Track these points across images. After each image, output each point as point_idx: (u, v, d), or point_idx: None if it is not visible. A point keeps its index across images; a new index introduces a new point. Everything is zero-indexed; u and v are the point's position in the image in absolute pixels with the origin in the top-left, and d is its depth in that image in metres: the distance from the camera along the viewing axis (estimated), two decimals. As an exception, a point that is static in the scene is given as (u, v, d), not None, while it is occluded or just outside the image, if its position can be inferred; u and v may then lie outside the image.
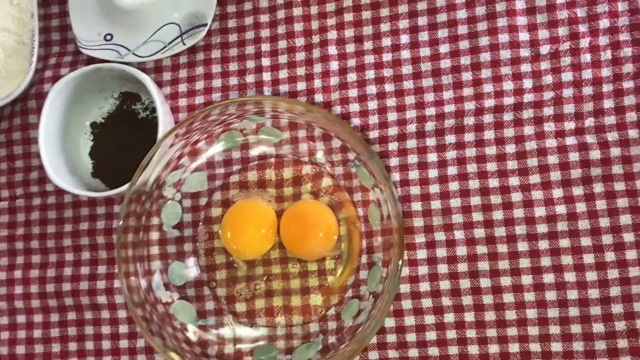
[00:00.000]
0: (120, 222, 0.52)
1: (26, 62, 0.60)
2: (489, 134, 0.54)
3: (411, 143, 0.55)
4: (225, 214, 0.56)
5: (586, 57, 0.53)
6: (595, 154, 0.52)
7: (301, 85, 0.58)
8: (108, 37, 0.60)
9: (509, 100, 0.54)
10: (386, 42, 0.57)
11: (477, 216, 0.53)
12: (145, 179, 0.53)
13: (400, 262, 0.48)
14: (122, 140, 0.60)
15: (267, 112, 0.54)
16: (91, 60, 0.61)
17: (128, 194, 0.52)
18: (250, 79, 0.59)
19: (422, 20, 0.56)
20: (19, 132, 0.62)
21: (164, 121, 0.55)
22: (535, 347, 0.51)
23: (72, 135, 0.60)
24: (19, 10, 0.60)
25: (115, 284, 0.59)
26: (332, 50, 0.58)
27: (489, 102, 0.54)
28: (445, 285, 0.53)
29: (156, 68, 0.61)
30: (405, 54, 0.56)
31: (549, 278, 0.52)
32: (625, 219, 0.51)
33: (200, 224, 0.58)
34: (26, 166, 0.62)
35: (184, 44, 0.59)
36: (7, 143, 0.63)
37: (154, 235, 0.56)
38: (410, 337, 0.53)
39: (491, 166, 0.54)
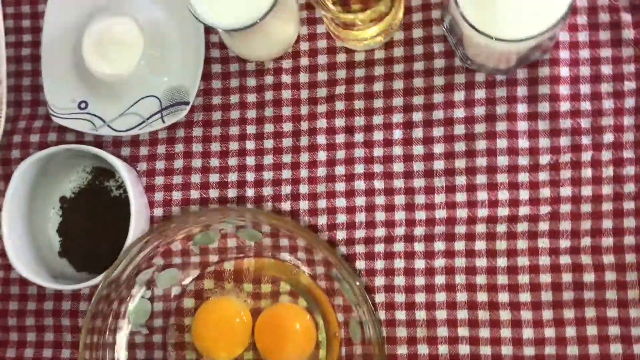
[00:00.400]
0: (86, 324, 0.49)
1: (-7, 130, 0.55)
2: (480, 245, 0.51)
3: (398, 246, 0.52)
4: (198, 312, 0.52)
5: (587, 172, 0.50)
6: (589, 277, 0.49)
7: (286, 174, 0.54)
8: (82, 105, 0.56)
9: (503, 211, 0.51)
10: (378, 135, 0.53)
11: (463, 332, 0.51)
12: (114, 278, 0.50)
13: None
14: (93, 219, 0.56)
15: (247, 219, 0.51)
16: (63, 128, 0.57)
17: (96, 297, 0.49)
18: (232, 161, 0.55)
19: (417, 116, 0.53)
20: (-18, 198, 0.58)
21: (137, 206, 0.51)
22: None
23: (40, 209, 0.56)
24: (-13, 75, 0.55)
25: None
26: (321, 139, 0.54)
27: (483, 212, 0.51)
28: (424, 402, 0.51)
29: (133, 141, 0.57)
30: (398, 150, 0.53)
31: (534, 407, 0.49)
32: (616, 348, 0.49)
33: (172, 317, 0.54)
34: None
35: (164, 122, 0.54)
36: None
37: (122, 336, 0.53)
38: None
39: (480, 279, 0.51)
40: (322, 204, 0.54)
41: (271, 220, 0.50)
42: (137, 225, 0.51)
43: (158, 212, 0.55)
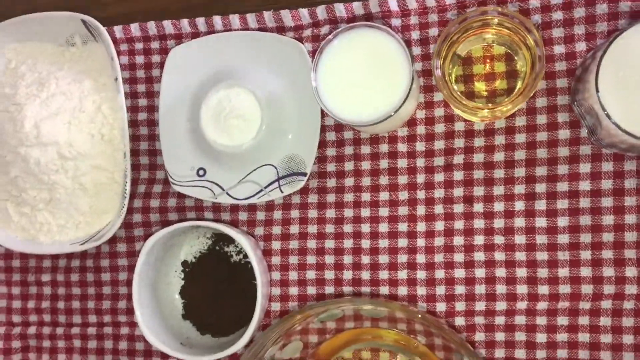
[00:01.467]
0: None
1: (116, 199, 0.56)
2: (604, 321, 0.49)
3: (520, 319, 0.51)
4: None
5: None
6: None
7: (402, 242, 0.54)
8: (201, 172, 0.56)
9: (631, 289, 0.49)
10: (499, 207, 0.52)
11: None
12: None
13: None
14: (214, 282, 0.57)
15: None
16: (182, 194, 0.57)
17: None
18: (347, 228, 0.55)
19: (540, 188, 0.51)
20: (106, 259, 0.60)
21: (258, 273, 0.52)
22: None
23: (164, 274, 0.57)
24: (112, 148, 0.56)
25: None
26: (439, 209, 0.53)
27: (609, 289, 0.49)
28: None
29: (250, 206, 0.57)
30: (519, 222, 0.51)
31: None
32: None
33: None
34: (114, 293, 0.60)
35: (282, 192, 0.54)
36: (94, 269, 0.60)
37: None
38: None
39: (605, 355, 0.49)
40: (440, 274, 0.53)
41: (401, 314, 0.49)
42: (262, 291, 0.52)
43: (275, 275, 0.56)
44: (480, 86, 0.49)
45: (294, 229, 0.56)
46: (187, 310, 0.57)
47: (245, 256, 0.56)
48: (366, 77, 0.45)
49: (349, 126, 0.54)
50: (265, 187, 0.55)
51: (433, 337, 0.52)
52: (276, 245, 0.56)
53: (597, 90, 0.39)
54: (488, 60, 0.49)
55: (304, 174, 0.53)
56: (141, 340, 0.59)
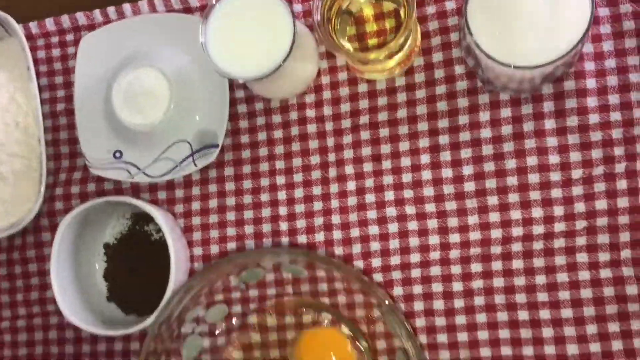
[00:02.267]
0: None
1: (36, 186, 0.56)
2: (517, 264, 0.49)
3: (435, 270, 0.51)
4: (301, 341, 0.52)
5: (622, 184, 0.48)
6: (632, 289, 0.47)
7: (317, 205, 0.53)
8: (117, 155, 0.56)
9: (538, 229, 0.49)
10: (405, 161, 0.52)
11: (506, 350, 0.49)
12: (164, 319, 0.50)
13: None
14: (136, 263, 0.56)
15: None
16: (101, 178, 0.57)
17: (147, 341, 0.49)
18: (264, 197, 0.55)
19: (444, 139, 0.51)
20: (32, 249, 0.59)
21: (176, 250, 0.51)
22: None
23: (86, 258, 0.56)
24: (26, 134, 0.56)
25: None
26: (349, 169, 0.53)
27: (518, 231, 0.49)
28: None
29: (168, 184, 0.57)
30: (426, 174, 0.51)
31: (582, 420, 0.47)
32: (665, 361, 0.46)
33: (222, 352, 0.54)
34: (42, 283, 0.59)
35: (196, 165, 0.54)
36: (21, 260, 0.59)
37: None
38: None
39: (520, 297, 0.49)
40: (354, 232, 0.53)
41: (321, 264, 0.49)
42: (178, 266, 0.51)
43: (197, 251, 0.55)
44: (373, 42, 0.50)
45: (213, 203, 0.56)
46: (111, 291, 0.56)
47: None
48: (251, 35, 0.45)
49: (259, 96, 0.55)
50: (180, 163, 0.55)
51: (353, 294, 0.51)
52: (196, 220, 0.56)
53: (467, 25, 0.40)
54: (378, 18, 0.50)
55: (216, 145, 0.54)
56: (70, 327, 0.58)
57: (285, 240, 0.54)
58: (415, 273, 0.51)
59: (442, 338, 0.50)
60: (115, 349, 0.56)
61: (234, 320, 0.53)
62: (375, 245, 0.52)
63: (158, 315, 0.49)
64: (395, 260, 0.51)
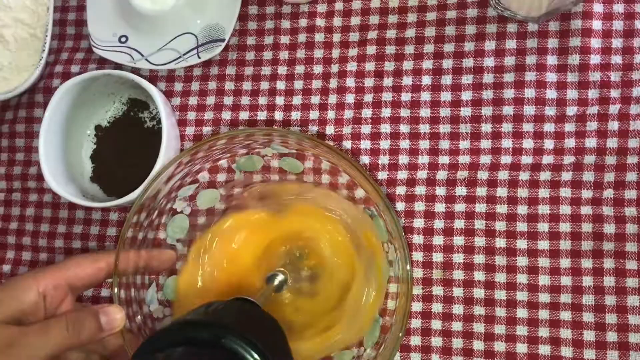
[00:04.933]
0: (125, 233, 0.47)
1: (37, 56, 0.55)
2: (501, 192, 0.49)
3: (420, 190, 0.50)
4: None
5: (614, 125, 0.48)
6: (609, 228, 0.47)
7: (314, 114, 0.53)
8: (123, 39, 0.55)
9: (527, 159, 0.49)
10: (407, 80, 0.51)
11: (479, 275, 0.49)
12: (152, 193, 0.48)
13: (401, 334, 0.43)
14: (125, 148, 0.55)
15: (291, 144, 0.49)
16: (103, 60, 0.56)
17: (135, 207, 0.47)
18: (262, 100, 0.54)
19: (447, 63, 0.51)
20: (22, 124, 0.57)
21: (168, 135, 0.50)
22: (521, 419, 0.47)
23: (76, 135, 0.55)
24: (35, 3, 0.54)
25: (102, 293, 0.54)
26: (350, 82, 0.52)
27: (506, 159, 0.49)
28: (437, 342, 0.48)
29: (168, 77, 0.56)
30: (425, 95, 0.51)
31: (544, 350, 0.47)
32: (633, 300, 0.46)
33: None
34: (26, 160, 0.57)
35: (199, 57, 0.53)
36: (9, 134, 0.58)
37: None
38: (395, 390, 0.49)
39: (500, 225, 0.49)
40: (346, 145, 0.52)
41: (316, 145, 0.47)
42: (167, 153, 0.50)
43: (188, 145, 0.54)
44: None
45: (210, 100, 0.55)
46: (96, 173, 0.55)
47: (159, 122, 0.54)
48: None
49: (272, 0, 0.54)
50: (184, 54, 0.54)
51: (354, 190, 0.50)
52: (191, 115, 0.55)
53: None
54: None
55: (222, 40, 0.53)
56: (49, 207, 0.56)
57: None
58: (400, 190, 0.50)
59: (417, 256, 0.49)
60: (91, 232, 0.55)
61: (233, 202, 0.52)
62: (365, 159, 0.51)
63: (144, 187, 0.47)
64: (382, 175, 0.51)
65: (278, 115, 0.53)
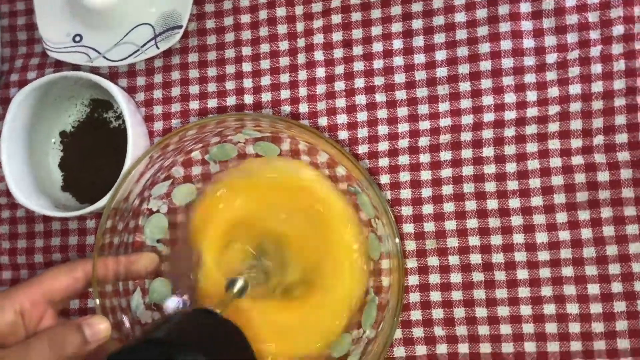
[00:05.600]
0: (100, 240, 0.45)
1: (-12, 67, 0.52)
2: (487, 151, 0.47)
3: (403, 159, 0.48)
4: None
5: (597, 68, 0.45)
6: (603, 176, 0.45)
7: (285, 94, 0.50)
8: (77, 39, 0.52)
9: (510, 115, 0.46)
10: (377, 47, 0.49)
11: (474, 240, 0.46)
12: (124, 195, 0.46)
13: (398, 309, 0.41)
14: (94, 151, 0.52)
15: (265, 127, 0.47)
16: (60, 63, 0.53)
17: (107, 211, 0.45)
18: (230, 85, 0.51)
19: (417, 24, 0.48)
20: (-16, 139, 0.55)
21: (135, 134, 0.48)
22: (533, 382, 0.45)
23: (40, 145, 0.52)
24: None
25: (89, 304, 0.52)
26: (319, 55, 0.50)
27: (489, 116, 0.47)
28: (438, 314, 0.47)
29: (129, 72, 0.53)
30: (398, 60, 0.48)
31: (549, 309, 0.45)
32: (635, 248, 0.44)
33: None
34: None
35: (158, 48, 0.50)
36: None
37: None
38: (400, 368, 0.47)
39: (490, 186, 0.47)
40: (322, 121, 0.49)
41: (290, 126, 0.44)
42: (135, 152, 0.48)
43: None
44: None
45: (175, 91, 0.52)
46: (66, 181, 0.53)
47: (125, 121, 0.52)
48: None
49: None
50: (142, 46, 0.51)
51: (335, 169, 0.47)
52: (157, 110, 0.52)
53: None
54: None
55: (180, 27, 0.50)
56: (23, 222, 0.54)
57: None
58: (383, 162, 0.48)
59: (408, 228, 0.47)
60: (70, 243, 0.53)
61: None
62: (343, 134, 0.49)
63: (114, 190, 0.45)
64: (363, 148, 0.48)
65: (248, 99, 0.51)
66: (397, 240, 0.42)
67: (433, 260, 0.47)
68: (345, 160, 0.44)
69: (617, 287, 0.44)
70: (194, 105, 0.51)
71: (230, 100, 0.51)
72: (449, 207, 0.47)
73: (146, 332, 0.35)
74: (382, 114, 0.48)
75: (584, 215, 0.45)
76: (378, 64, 0.49)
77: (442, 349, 0.46)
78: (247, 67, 0.51)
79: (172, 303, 0.46)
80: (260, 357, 0.38)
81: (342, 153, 0.43)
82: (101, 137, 0.52)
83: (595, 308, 0.44)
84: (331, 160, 0.47)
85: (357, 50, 0.49)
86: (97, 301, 0.43)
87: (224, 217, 0.45)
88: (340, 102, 0.49)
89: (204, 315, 0.37)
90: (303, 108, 0.50)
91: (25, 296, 0.40)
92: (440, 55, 0.48)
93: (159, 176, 0.47)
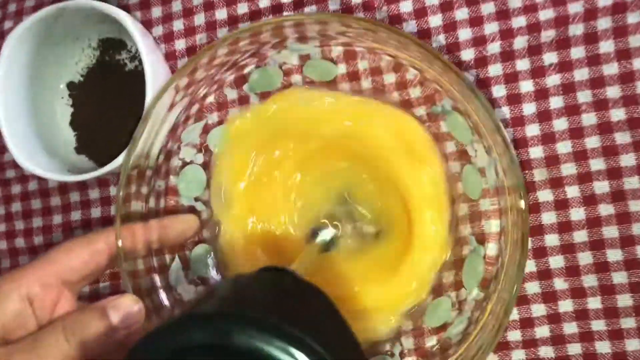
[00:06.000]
0: (120, 203, 0.36)
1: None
2: (606, 46, 0.36)
3: (495, 69, 0.37)
4: None
5: None
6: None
7: (333, 4, 0.40)
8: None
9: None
10: None
11: (597, 164, 0.36)
12: (147, 145, 0.36)
13: (520, 259, 0.31)
14: (109, 102, 0.43)
15: (310, 38, 0.36)
16: None
17: (124, 173, 0.36)
18: (264, 2, 0.41)
19: None
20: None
21: (154, 74, 0.38)
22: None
23: (46, 101, 0.43)
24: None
25: (122, 287, 0.44)
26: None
27: (605, 0, 0.36)
28: (557, 262, 0.36)
29: (142, 2, 0.44)
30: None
31: None
32: None
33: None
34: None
35: (172, -35, 0.41)
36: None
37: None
38: (514, 335, 0.37)
39: (612, 91, 0.36)
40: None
41: (346, 27, 0.33)
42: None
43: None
44: None
45: (199, 19, 0.42)
46: (81, 142, 0.44)
47: (142, 61, 0.42)
48: None
49: None
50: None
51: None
52: (180, 44, 0.43)
53: None
54: None
55: None
56: (37, 196, 0.45)
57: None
58: (468, 76, 0.37)
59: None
60: (90, 197, 0.44)
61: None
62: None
63: (133, 140, 0.35)
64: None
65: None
66: (515, 166, 0.31)
67: (545, 195, 0.36)
68: (427, 68, 0.33)
69: None
70: (224, 33, 0.42)
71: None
72: (560, 124, 0.36)
73: (193, 304, 0.26)
74: (461, 14, 0.38)
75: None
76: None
77: (566, 305, 0.36)
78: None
79: None
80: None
81: (432, 54, 0.32)
82: (116, 85, 0.43)
83: None
84: (400, 65, 0.36)
85: (422, -63, 0.38)
86: (126, 278, 0.34)
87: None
88: (406, 5, 0.38)
89: (273, 276, 0.28)
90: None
91: (35, 277, 0.31)
92: None
93: (189, 117, 0.38)
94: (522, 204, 0.30)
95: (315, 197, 0.36)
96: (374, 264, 0.36)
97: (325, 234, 0.34)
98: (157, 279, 0.37)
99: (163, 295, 0.37)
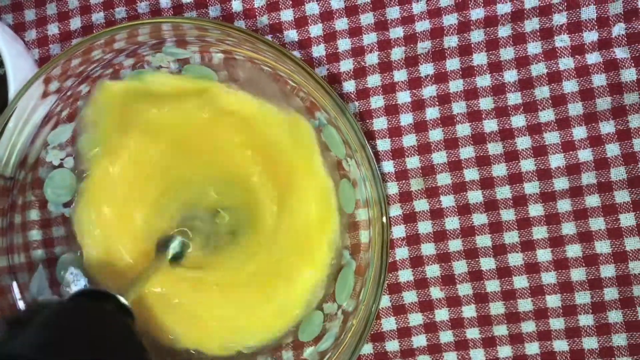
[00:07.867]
0: None
1: None
2: (479, 58, 0.36)
3: (373, 80, 0.37)
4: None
5: None
6: (629, 74, 0.35)
7: (214, 11, 0.39)
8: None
9: (504, 8, 0.36)
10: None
11: (471, 174, 0.36)
12: (8, 150, 0.34)
13: (382, 269, 0.30)
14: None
15: (189, 43, 0.35)
16: None
17: None
18: (142, 7, 0.40)
19: None
20: None
21: (21, 79, 0.36)
22: (561, 345, 0.35)
23: None
24: None
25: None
26: (253, -44, 0.38)
27: (477, 13, 0.36)
28: (433, 271, 0.36)
29: (13, 4, 0.41)
30: (356, -46, 0.37)
31: (574, 251, 0.35)
32: (675, 162, 0.34)
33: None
34: None
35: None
36: None
37: (34, 227, 0.37)
38: (392, 345, 0.37)
39: (485, 103, 0.36)
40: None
41: (226, 35, 0.32)
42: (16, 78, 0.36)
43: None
44: None
45: (75, 23, 0.40)
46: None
47: (1, 64, 0.40)
48: None
49: None
50: (24, -34, 0.39)
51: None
52: (55, 49, 0.40)
53: None
54: None
55: None
56: None
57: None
58: (349, 86, 0.37)
59: (388, 167, 0.37)
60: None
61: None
62: (294, 54, 0.38)
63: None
64: (321, 71, 0.37)
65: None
66: (377, 182, 0.31)
67: (421, 205, 0.36)
68: (305, 83, 0.33)
69: (657, 213, 0.34)
70: (99, 17, 0.40)
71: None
72: (436, 134, 0.37)
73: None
74: (340, 24, 0.37)
75: (607, 127, 0.35)
76: (330, -39, 0.37)
77: (442, 314, 0.36)
78: (163, -18, 0.39)
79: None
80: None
81: (305, 70, 0.31)
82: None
83: (632, 243, 0.34)
84: (279, 77, 0.35)
85: (302, -54, 0.38)
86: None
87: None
88: (287, 15, 0.38)
89: (96, 307, 0.26)
90: (237, 6, 0.38)
91: None
92: (409, -58, 0.37)
93: (59, 114, 0.35)
94: (383, 219, 0.30)
95: (170, 207, 0.35)
96: (253, 282, 0.35)
97: (175, 246, 0.32)
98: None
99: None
